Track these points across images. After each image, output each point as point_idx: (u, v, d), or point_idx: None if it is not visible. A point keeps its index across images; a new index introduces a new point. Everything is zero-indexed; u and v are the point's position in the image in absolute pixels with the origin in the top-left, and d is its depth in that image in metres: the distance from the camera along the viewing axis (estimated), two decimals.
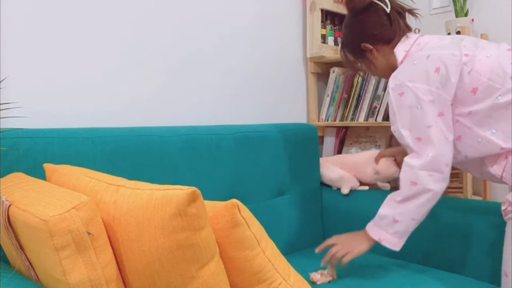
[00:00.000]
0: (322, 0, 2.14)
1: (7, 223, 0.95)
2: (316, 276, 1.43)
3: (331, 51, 2.19)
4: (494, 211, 1.54)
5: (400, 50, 1.42)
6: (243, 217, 0.98)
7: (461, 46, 1.31)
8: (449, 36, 1.45)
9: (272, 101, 2.10)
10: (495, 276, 1.43)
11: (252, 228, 1.00)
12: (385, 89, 2.04)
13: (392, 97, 1.36)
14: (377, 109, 2.05)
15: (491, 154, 1.28)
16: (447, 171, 1.31)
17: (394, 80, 1.36)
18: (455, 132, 1.32)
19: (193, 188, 0.86)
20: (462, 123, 1.30)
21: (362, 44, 1.47)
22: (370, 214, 1.67)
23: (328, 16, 2.23)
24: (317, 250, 1.50)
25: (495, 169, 1.29)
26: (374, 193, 1.96)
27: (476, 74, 1.26)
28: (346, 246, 1.43)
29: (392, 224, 1.36)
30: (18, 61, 1.36)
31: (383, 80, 2.04)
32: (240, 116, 1.97)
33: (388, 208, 1.38)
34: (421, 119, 1.30)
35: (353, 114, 2.13)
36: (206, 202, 0.98)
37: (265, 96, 2.07)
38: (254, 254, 0.99)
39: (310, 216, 1.96)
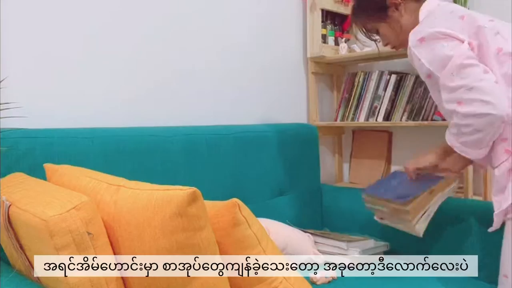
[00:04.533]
0: (322, 0, 2.14)
1: (7, 223, 0.95)
2: (316, 276, 1.42)
3: (332, 51, 2.19)
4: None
5: (424, 10, 1.34)
6: (243, 216, 0.98)
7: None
8: None
9: (272, 101, 2.10)
10: (495, 276, 1.43)
11: (253, 227, 0.99)
12: (385, 89, 2.04)
13: (415, 52, 1.28)
14: (377, 109, 2.05)
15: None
16: (487, 77, 1.19)
17: (412, 35, 1.30)
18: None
19: (193, 188, 0.86)
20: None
21: None
22: (370, 213, 1.67)
23: (328, 16, 2.23)
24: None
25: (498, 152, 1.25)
26: None
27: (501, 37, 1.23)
28: (417, 159, 1.46)
29: (459, 134, 1.25)
30: (18, 61, 1.36)
31: (383, 80, 2.04)
32: (240, 116, 1.97)
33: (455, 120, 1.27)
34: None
35: (354, 114, 2.13)
36: (207, 202, 0.98)
37: (265, 96, 2.07)
38: (255, 253, 0.99)
39: (310, 216, 1.96)
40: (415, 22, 1.34)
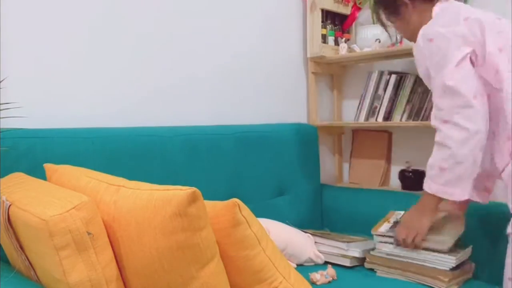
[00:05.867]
0: (322, 0, 2.14)
1: (7, 223, 0.95)
2: (316, 276, 1.42)
3: (332, 51, 2.19)
4: (494, 211, 1.54)
5: (438, 8, 1.40)
6: (243, 216, 0.98)
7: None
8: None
9: (272, 101, 2.10)
10: (496, 276, 1.43)
11: (253, 227, 0.99)
12: (385, 89, 2.04)
13: (421, 46, 1.35)
14: (377, 109, 2.05)
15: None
16: (477, 103, 1.25)
17: (422, 31, 1.36)
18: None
19: (193, 189, 0.86)
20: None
21: None
22: (370, 213, 1.67)
23: (328, 16, 2.22)
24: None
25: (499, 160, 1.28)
26: (374, 193, 1.96)
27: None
28: (411, 227, 1.41)
29: (439, 174, 1.31)
30: (18, 61, 1.36)
31: (383, 80, 2.04)
32: (240, 116, 1.97)
33: (433, 155, 1.33)
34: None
35: (354, 114, 2.13)
36: (207, 202, 0.98)
37: (265, 96, 2.07)
38: (255, 254, 0.99)
39: (310, 216, 1.96)
40: (423, 22, 1.39)
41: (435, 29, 1.33)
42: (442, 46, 1.30)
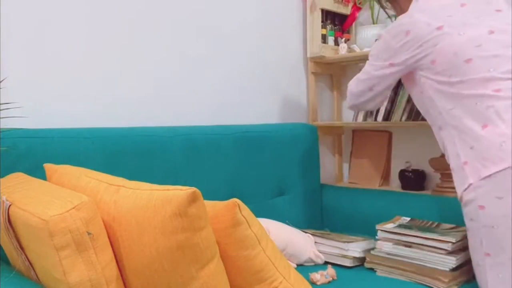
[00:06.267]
0: (322, 0, 2.14)
1: (7, 223, 0.95)
2: (316, 276, 1.42)
3: (332, 51, 2.19)
4: None
5: None
6: (243, 216, 0.98)
7: (449, 15, 1.33)
8: None
9: (272, 101, 2.10)
10: None
11: (253, 227, 1.00)
12: None
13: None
14: (377, 109, 2.05)
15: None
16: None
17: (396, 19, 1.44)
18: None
19: (193, 189, 0.86)
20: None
21: None
22: (370, 214, 1.67)
23: (328, 16, 2.22)
24: None
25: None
26: (374, 193, 1.96)
27: (439, 50, 1.30)
28: None
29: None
30: (18, 61, 1.36)
31: None
32: (240, 116, 1.97)
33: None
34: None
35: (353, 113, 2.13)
36: (207, 202, 0.98)
37: (265, 96, 2.07)
38: (255, 254, 0.99)
39: (310, 216, 1.96)
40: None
41: (384, 34, 1.43)
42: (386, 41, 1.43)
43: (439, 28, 1.30)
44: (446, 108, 1.30)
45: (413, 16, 1.36)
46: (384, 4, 1.65)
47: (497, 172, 1.19)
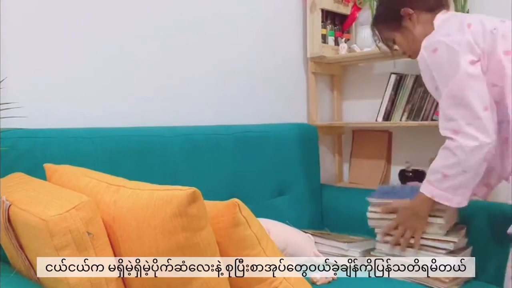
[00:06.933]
0: (322, 0, 2.14)
1: (7, 223, 0.95)
2: (316, 276, 1.42)
3: (332, 51, 2.19)
4: (495, 211, 1.54)
5: (439, 18, 1.39)
6: (243, 216, 0.98)
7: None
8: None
9: (272, 101, 2.10)
10: (497, 276, 1.43)
11: (253, 227, 1.00)
12: (385, 89, 2.03)
13: (425, 57, 1.34)
14: (377, 109, 2.05)
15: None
16: (487, 114, 1.25)
17: (424, 42, 1.35)
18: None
19: (193, 189, 0.86)
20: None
21: (403, 9, 1.43)
22: None
23: (328, 16, 2.22)
24: (380, 239, 1.50)
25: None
26: None
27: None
28: (408, 225, 1.42)
29: (442, 180, 1.32)
30: (18, 61, 1.36)
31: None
32: (240, 116, 1.97)
33: (437, 160, 1.33)
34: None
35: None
36: (207, 202, 0.98)
37: (265, 96, 2.07)
38: (255, 254, 0.99)
39: (310, 216, 1.96)
40: (427, 33, 1.38)
41: (438, 39, 1.31)
42: (447, 56, 1.29)
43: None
44: None
45: (462, 15, 1.33)
46: (389, 44, 1.55)
47: None
